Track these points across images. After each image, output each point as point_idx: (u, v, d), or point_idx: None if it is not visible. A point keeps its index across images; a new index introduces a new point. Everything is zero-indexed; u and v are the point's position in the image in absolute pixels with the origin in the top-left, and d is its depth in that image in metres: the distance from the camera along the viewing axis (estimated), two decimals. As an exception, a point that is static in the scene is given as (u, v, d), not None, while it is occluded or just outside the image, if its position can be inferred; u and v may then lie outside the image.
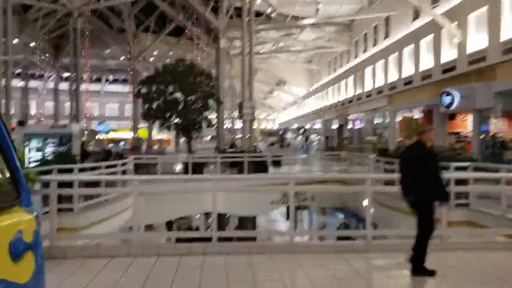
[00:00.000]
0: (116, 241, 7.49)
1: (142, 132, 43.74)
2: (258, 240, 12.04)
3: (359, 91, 33.82)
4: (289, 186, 6.58)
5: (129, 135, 55.08)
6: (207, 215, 26.77)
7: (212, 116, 18.55)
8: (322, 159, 26.88)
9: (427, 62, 22.50)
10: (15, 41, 33.44)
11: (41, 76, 44.51)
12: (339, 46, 37.40)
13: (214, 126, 19.10)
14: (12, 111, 40.24)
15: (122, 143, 53.54)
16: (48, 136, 20.75)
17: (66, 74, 48.39)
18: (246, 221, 19.43)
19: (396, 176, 6.08)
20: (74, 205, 8.93)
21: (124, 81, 54.13)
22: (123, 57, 44.54)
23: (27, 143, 17.84)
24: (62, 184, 7.44)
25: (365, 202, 7.13)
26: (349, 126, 36.09)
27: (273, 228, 31.15)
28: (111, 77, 55.79)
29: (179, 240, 8.92)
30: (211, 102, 17.54)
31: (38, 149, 20.93)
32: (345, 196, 17.33)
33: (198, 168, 17.02)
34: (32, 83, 47.04)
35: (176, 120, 17.47)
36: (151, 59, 43.48)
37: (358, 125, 34.06)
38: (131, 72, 39.45)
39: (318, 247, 6.84)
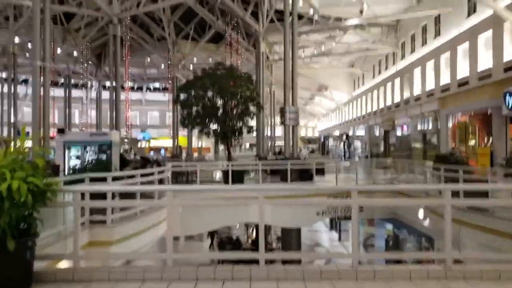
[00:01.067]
0: (149, 261, 6.62)
1: (182, 140, 43.57)
2: (311, 263, 10.89)
3: (407, 94, 32.09)
4: (352, 198, 5.46)
5: (169, 143, 55.39)
6: (247, 225, 25.84)
7: (252, 122, 17.60)
8: (367, 167, 25.44)
9: (485, 61, 20.74)
10: (59, 50, 34.04)
11: (83, 85, 45.20)
12: (384, 48, 35.80)
13: (254, 133, 18.12)
14: (55, 120, 41.13)
15: (162, 151, 53.86)
16: (88, 144, 20.47)
17: (108, 83, 49.33)
18: (290, 233, 18.32)
19: (485, 186, 4.87)
20: (106, 217, 8.20)
21: (165, 89, 54.45)
22: (163, 65, 44.63)
23: (51, 150, 17.51)
24: (93, 195, 6.73)
25: (426, 217, 5.92)
26: (396, 131, 34.34)
27: (317, 240, 29.85)
28: (151, 86, 56.23)
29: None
30: (251, 107, 16.64)
31: (78, 157, 20.73)
32: (397, 206, 15.92)
33: (238, 176, 16.13)
34: (75, 92, 48.00)
35: (215, 127, 16.68)
36: (191, 66, 43.34)
37: (406, 130, 32.29)
38: (170, 81, 39.35)
39: (387, 272, 5.69)
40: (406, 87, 32.28)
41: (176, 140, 39.90)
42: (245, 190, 8.02)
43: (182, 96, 16.75)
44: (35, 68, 15.76)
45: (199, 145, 50.88)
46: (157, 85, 55.52)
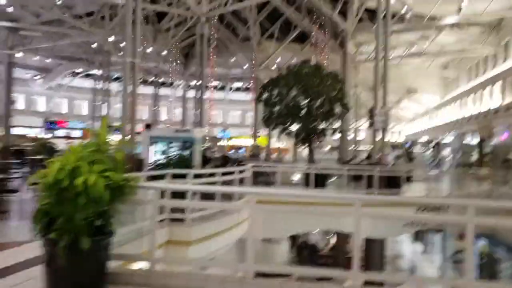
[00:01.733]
0: (228, 270, 6.15)
1: (261, 140, 43.48)
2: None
3: (509, 99, 29.12)
4: (467, 215, 4.51)
5: (249, 142, 55.71)
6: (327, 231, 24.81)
7: (335, 124, 16.66)
8: (459, 177, 23.39)
9: None
10: (149, 49, 35.47)
11: (171, 84, 46.86)
12: (483, 49, 32.86)
13: (337, 135, 17.19)
14: (143, 117, 43.01)
15: (242, 150, 54.29)
16: (172, 139, 20.84)
17: (193, 82, 50.80)
18: (373, 244, 17.18)
19: None
20: (185, 216, 7.90)
21: (247, 89, 54.84)
22: (246, 65, 44.91)
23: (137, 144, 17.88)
24: (173, 193, 6.41)
25: None
26: (493, 140, 31.33)
27: (399, 251, 28.11)
28: (234, 85, 56.96)
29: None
30: (337, 108, 15.77)
31: (163, 152, 21.19)
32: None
33: (320, 180, 15.36)
34: (162, 91, 49.95)
35: (297, 127, 16.03)
36: (273, 67, 43.11)
37: (506, 139, 29.30)
38: (251, 81, 39.44)
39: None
40: (508, 91, 29.31)
41: (255, 140, 39.83)
42: (342, 198, 7.24)
43: (265, 94, 16.32)
44: (126, 65, 16.22)
45: (279, 146, 50.52)
46: (239, 84, 56.13)
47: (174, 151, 21.09)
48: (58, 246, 3.98)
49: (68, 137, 46.90)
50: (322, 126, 16.04)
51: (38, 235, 4.13)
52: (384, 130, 17.87)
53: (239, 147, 54.72)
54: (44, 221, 4.16)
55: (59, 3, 26.25)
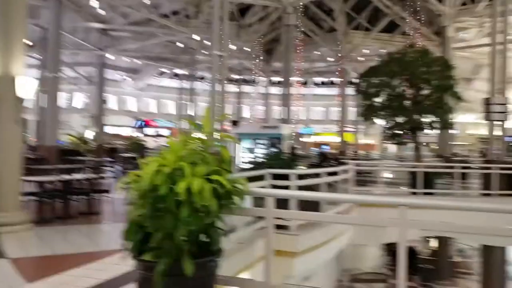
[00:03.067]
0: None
1: (347, 137, 41.61)
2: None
3: None
4: None
5: (331, 139, 53.77)
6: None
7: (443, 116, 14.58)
8: None
9: None
10: (234, 47, 35.14)
11: (253, 81, 46.40)
12: None
13: (453, 129, 15.09)
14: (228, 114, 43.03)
15: (325, 147, 52.66)
16: (259, 136, 20.04)
17: (274, 78, 50.04)
18: (490, 252, 14.99)
19: None
20: (290, 223, 6.85)
21: (331, 84, 53.03)
22: (330, 59, 43.19)
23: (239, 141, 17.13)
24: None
25: None
26: None
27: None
28: (317, 80, 55.22)
29: None
30: (446, 98, 13.80)
31: (250, 150, 20.45)
32: None
33: (429, 180, 13.56)
34: (244, 88, 49.75)
35: (401, 120, 14.30)
36: (360, 58, 40.94)
37: None
38: (338, 74, 37.69)
39: None
40: None
41: (342, 136, 38.06)
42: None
43: (364, 84, 14.75)
44: (214, 59, 15.60)
45: (366, 142, 48.18)
46: (322, 79, 54.33)
47: (261, 148, 20.28)
48: (154, 270, 3.05)
49: (157, 136, 48.50)
50: (428, 119, 14.17)
51: (130, 254, 3.25)
52: (504, 121, 15.54)
53: (323, 144, 53.09)
54: (137, 237, 3.26)
55: (147, 2, 26.66)
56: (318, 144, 52.35)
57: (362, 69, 41.09)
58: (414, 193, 13.18)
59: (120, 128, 46.01)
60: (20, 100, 7.73)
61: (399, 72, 13.50)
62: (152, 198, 3.12)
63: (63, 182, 8.84)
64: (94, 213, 9.47)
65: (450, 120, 13.82)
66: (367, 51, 39.85)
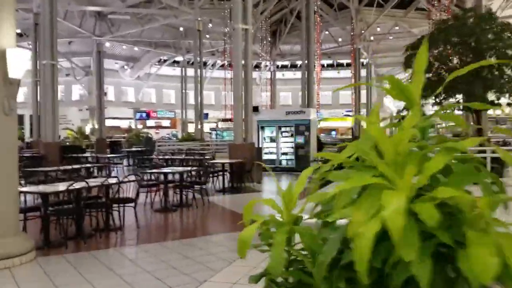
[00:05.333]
0: None
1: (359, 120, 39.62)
2: None
3: None
4: None
5: (340, 124, 51.71)
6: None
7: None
8: None
9: None
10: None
11: (257, 66, 44.06)
12: None
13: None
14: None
15: (333, 132, 50.81)
16: (284, 123, 17.90)
17: (281, 62, 47.80)
18: None
19: None
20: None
21: (339, 66, 50.92)
22: (340, 39, 40.93)
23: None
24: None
25: None
26: None
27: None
28: (323, 62, 52.86)
29: None
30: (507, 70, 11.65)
31: (272, 139, 18.37)
32: None
33: (496, 166, 11.50)
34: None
35: (460, 97, 12.17)
36: (372, 37, 38.69)
37: None
38: (352, 54, 35.46)
39: None
40: None
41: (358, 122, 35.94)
42: None
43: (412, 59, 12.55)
44: (238, 32, 13.37)
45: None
46: (328, 61, 52.00)
47: (286, 136, 18.19)
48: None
49: (159, 127, 46.28)
50: (493, 95, 12.07)
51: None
52: None
53: (331, 129, 51.08)
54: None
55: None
56: (327, 130, 50.32)
57: (376, 48, 38.94)
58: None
59: (120, 120, 43.77)
60: (12, 81, 5.55)
61: (462, 39, 11.33)
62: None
63: (75, 191, 6.69)
64: (115, 229, 7.38)
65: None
66: (379, 29, 37.61)
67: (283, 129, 17.94)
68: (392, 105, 55.41)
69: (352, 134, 37.07)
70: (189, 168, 10.09)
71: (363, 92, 37.35)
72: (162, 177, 9.74)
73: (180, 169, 10.13)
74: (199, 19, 26.47)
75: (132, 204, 7.58)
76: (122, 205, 7.50)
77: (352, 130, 38.51)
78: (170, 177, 9.69)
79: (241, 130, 13.47)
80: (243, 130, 13.50)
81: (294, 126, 17.63)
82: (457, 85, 11.76)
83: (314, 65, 22.20)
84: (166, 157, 15.63)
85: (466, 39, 11.61)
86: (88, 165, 11.59)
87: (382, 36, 37.62)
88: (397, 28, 36.88)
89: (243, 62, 13.63)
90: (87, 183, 6.71)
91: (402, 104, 1.67)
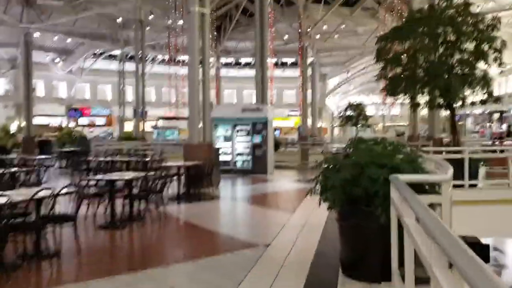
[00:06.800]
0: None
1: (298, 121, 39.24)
2: None
3: None
4: None
5: (282, 124, 51.03)
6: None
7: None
8: None
9: None
10: (180, 22, 30.86)
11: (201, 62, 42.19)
12: None
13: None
14: (173, 100, 38.66)
15: (276, 132, 50.10)
16: (239, 121, 16.45)
17: (225, 60, 46.05)
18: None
19: None
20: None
21: (283, 64, 50.28)
22: (286, 37, 40.12)
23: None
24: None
25: None
26: None
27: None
28: (272, 61, 51.65)
29: None
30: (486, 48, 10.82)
31: (226, 138, 16.87)
32: None
33: (472, 166, 10.86)
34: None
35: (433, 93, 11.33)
36: (317, 36, 38.23)
37: None
38: (299, 52, 34.66)
39: None
40: None
41: (304, 120, 35.31)
42: None
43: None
44: (194, 16, 11.71)
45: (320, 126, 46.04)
46: (273, 60, 50.98)
47: (241, 136, 16.78)
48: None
49: (92, 125, 43.07)
50: (467, 91, 11.40)
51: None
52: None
53: (275, 129, 50.31)
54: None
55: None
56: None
57: (320, 47, 38.42)
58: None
59: (50, 118, 40.15)
60: None
61: (442, 30, 10.48)
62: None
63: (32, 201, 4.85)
64: (49, 255, 5.59)
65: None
66: (325, 27, 37.20)
67: (238, 127, 16.50)
68: (333, 105, 55.84)
69: (299, 135, 36.43)
70: (142, 174, 8.34)
71: (308, 92, 36.66)
72: (104, 184, 8.03)
73: (131, 174, 8.38)
74: (140, 8, 24.32)
75: (71, 223, 5.82)
76: (58, 224, 5.72)
77: (299, 130, 37.89)
78: (118, 184, 7.96)
79: (197, 129, 11.91)
80: (200, 129, 11.95)
81: (251, 124, 16.26)
82: (432, 81, 11.00)
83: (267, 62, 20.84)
84: (108, 159, 13.67)
85: (439, 31, 10.82)
86: (14, 169, 9.49)
87: (328, 34, 37.27)
88: (343, 26, 36.64)
89: (200, 55, 12.04)
90: (9, 198, 4.89)
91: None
